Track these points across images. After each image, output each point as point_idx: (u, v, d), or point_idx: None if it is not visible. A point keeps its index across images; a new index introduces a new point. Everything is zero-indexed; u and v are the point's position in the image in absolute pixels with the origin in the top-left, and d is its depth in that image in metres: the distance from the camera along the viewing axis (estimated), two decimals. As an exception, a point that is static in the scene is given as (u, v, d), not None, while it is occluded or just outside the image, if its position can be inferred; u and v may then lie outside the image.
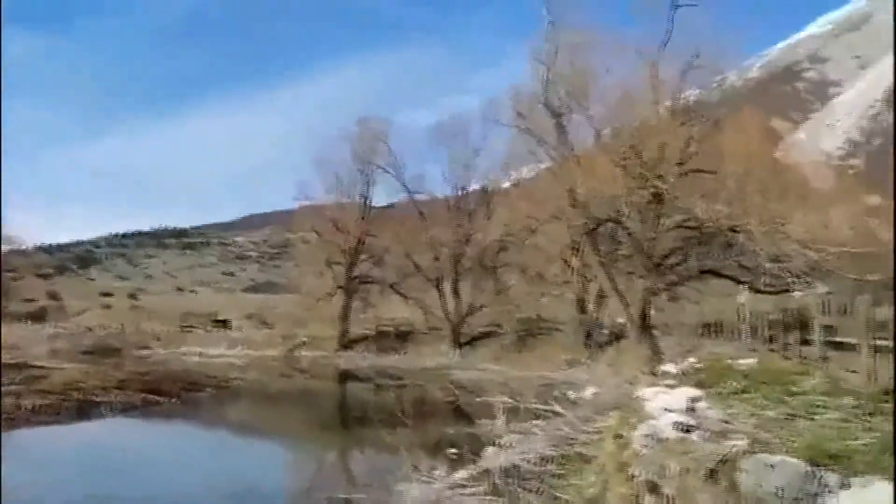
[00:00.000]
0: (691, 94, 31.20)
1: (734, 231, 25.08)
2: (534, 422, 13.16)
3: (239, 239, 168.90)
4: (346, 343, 46.70)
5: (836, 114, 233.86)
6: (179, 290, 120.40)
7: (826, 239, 25.91)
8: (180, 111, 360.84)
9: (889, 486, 3.97)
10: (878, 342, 7.82)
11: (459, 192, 46.71)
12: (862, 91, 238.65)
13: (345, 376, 38.38)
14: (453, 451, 12.81)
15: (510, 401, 16.64)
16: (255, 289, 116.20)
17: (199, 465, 15.75)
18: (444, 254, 45.27)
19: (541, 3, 28.21)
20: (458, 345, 42.54)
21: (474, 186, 47.29)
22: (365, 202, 50.15)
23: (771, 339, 16.84)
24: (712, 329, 30.86)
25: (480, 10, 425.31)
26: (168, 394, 25.03)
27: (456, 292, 44.30)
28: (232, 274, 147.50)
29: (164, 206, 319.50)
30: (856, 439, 4.61)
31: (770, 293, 26.50)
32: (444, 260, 45.07)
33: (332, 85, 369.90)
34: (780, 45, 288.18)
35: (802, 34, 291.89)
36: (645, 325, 27.32)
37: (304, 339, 48.00)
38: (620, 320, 32.85)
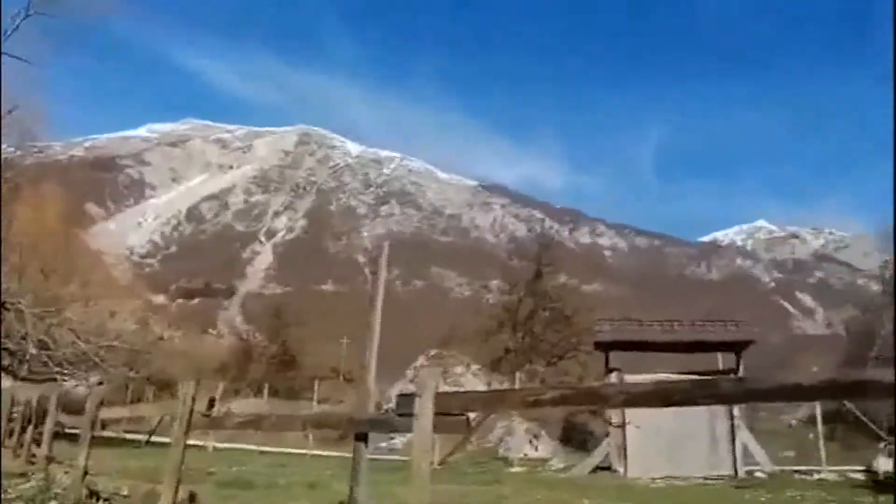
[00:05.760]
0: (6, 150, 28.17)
1: (6, 308, 22.82)
2: None
3: None
4: None
5: (147, 214, 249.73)
6: None
7: (104, 330, 26.32)
8: None
9: None
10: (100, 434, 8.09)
11: None
12: (171, 201, 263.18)
13: None
14: None
15: None
16: None
17: None
18: None
19: None
20: None
21: None
22: None
23: (12, 434, 15.42)
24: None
25: None
26: None
27: None
28: None
29: None
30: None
31: (34, 381, 24.75)
32: None
33: None
34: (114, 134, 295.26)
35: (138, 132, 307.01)
36: None
37: None
38: None
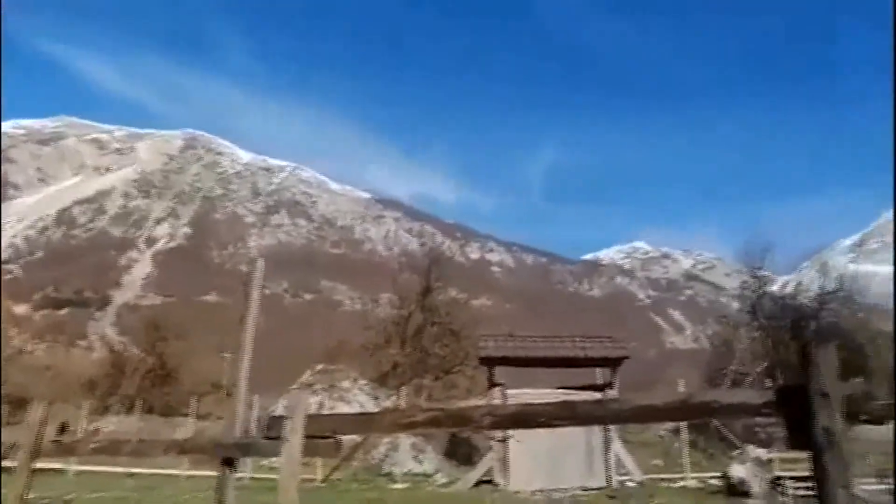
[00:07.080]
0: None
1: None
2: None
3: None
4: None
5: (9, 216, 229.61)
6: None
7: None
8: None
9: None
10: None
11: None
12: (38, 203, 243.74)
13: None
14: None
15: None
16: None
17: None
18: None
19: None
20: None
21: None
22: None
23: None
24: None
25: None
26: None
27: None
28: None
29: None
30: None
31: None
32: None
33: None
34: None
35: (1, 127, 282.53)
36: None
37: None
38: None
